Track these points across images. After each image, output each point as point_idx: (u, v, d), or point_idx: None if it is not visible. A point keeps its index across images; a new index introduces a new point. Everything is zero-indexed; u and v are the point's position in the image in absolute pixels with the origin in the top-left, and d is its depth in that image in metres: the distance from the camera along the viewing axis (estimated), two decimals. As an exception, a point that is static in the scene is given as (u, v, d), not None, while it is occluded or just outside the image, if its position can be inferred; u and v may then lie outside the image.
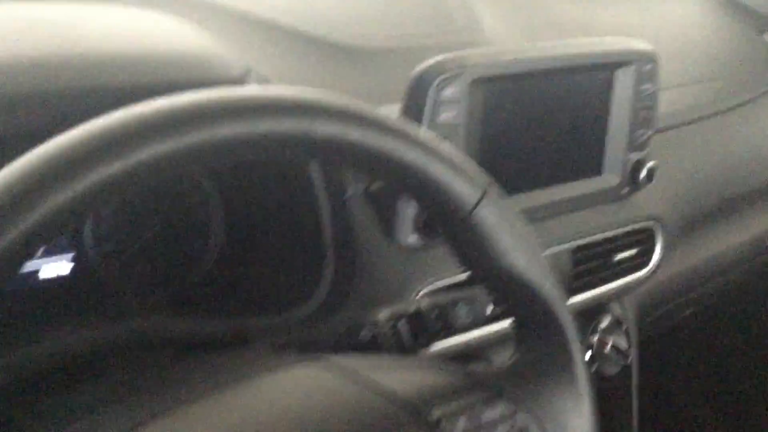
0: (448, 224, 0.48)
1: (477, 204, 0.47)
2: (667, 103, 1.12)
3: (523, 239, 0.49)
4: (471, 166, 0.47)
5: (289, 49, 0.84)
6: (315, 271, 0.74)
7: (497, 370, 0.53)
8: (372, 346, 0.60)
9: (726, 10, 1.47)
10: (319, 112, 0.40)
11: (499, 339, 0.79)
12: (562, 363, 0.52)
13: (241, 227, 0.77)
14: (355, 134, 0.41)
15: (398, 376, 0.49)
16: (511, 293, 0.51)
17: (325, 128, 0.40)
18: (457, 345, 0.77)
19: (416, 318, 0.61)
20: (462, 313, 0.61)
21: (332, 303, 0.74)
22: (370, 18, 0.97)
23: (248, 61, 0.75)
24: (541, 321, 0.52)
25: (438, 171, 0.45)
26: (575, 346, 0.52)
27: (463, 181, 0.46)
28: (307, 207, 0.73)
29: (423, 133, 0.45)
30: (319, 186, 0.72)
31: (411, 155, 0.43)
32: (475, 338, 0.79)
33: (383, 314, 0.61)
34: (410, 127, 0.45)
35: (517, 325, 0.53)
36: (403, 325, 0.60)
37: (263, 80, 0.73)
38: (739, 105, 1.25)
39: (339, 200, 0.73)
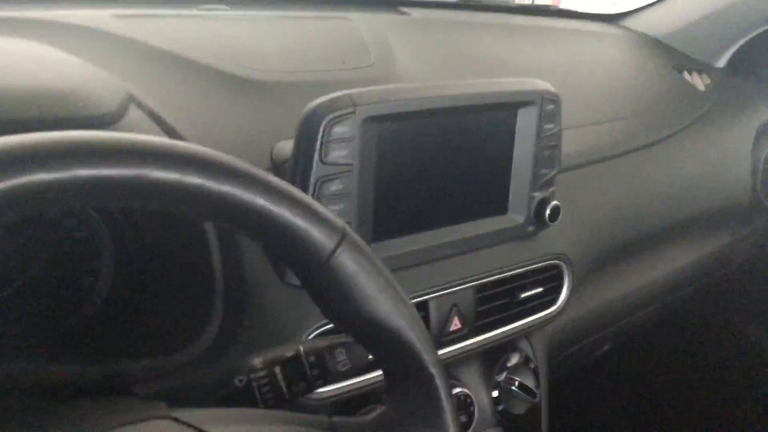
0: (305, 272, 0.46)
1: (334, 251, 0.45)
2: (583, 141, 1.14)
3: (385, 286, 0.48)
4: (326, 212, 0.46)
5: (183, 79, 0.82)
6: (203, 313, 0.71)
7: (363, 421, 0.51)
8: (246, 393, 0.58)
9: (644, 48, 1.50)
10: (155, 156, 0.38)
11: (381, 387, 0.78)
12: (431, 414, 0.51)
13: (131, 267, 0.75)
14: (195, 179, 0.39)
15: None
16: (376, 342, 0.50)
17: (160, 173, 0.38)
18: (337, 392, 0.76)
19: (293, 364, 0.59)
20: (341, 358, 0.59)
21: (220, 346, 0.71)
22: (278, 51, 0.96)
23: (137, 92, 0.73)
24: (409, 370, 0.50)
25: (290, 217, 0.43)
26: (445, 396, 0.51)
27: (318, 227, 0.44)
28: (198, 247, 0.71)
29: (274, 178, 0.44)
30: (210, 226, 0.70)
31: (260, 201, 0.42)
32: (356, 386, 0.77)
33: (258, 360, 0.58)
34: (259, 172, 0.43)
35: (385, 374, 0.52)
36: (279, 372, 0.58)
37: (148, 111, 0.71)
38: (655, 143, 1.27)
39: (229, 240, 0.71)
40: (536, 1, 4.07)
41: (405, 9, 1.29)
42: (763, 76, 1.58)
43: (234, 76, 0.85)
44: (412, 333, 0.49)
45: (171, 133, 0.72)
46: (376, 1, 1.38)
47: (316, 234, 0.44)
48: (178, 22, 0.95)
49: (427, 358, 0.50)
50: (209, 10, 1.04)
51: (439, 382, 0.51)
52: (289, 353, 0.59)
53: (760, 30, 1.47)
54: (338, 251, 0.45)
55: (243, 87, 0.85)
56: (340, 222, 0.46)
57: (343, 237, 0.46)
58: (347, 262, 0.46)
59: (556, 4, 4.13)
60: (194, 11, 1.02)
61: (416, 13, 1.28)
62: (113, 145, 0.37)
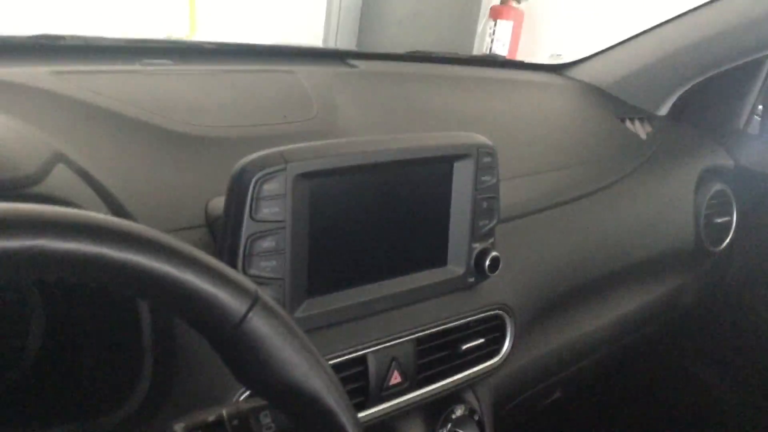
0: (217, 339, 0.46)
1: (246, 315, 0.45)
2: (525, 191, 1.15)
3: (300, 349, 0.48)
4: (236, 275, 0.45)
5: (118, 136, 0.82)
6: (132, 375, 0.70)
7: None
8: (168, 459, 0.57)
9: (587, 97, 1.53)
10: (50, 225, 0.38)
11: None
12: None
13: (61, 329, 0.73)
14: (93, 248, 0.39)
15: None
16: (293, 406, 0.49)
17: (57, 243, 0.38)
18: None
19: (216, 429, 0.58)
20: (266, 421, 0.58)
21: (149, 408, 0.70)
22: (219, 106, 0.96)
23: (68, 150, 0.72)
24: (327, 434, 0.50)
25: (198, 282, 0.43)
26: None
27: (228, 291, 0.44)
28: (127, 307, 0.70)
29: (179, 243, 0.43)
30: None
31: (164, 268, 0.42)
32: None
33: (179, 426, 0.57)
34: (163, 237, 0.43)
35: (304, 439, 0.51)
36: (201, 436, 0.57)
37: (77, 169, 0.71)
38: (598, 190, 1.29)
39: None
40: (493, 48, 4.16)
41: (353, 62, 1.31)
42: (703, 123, 1.62)
43: (171, 131, 0.86)
44: (330, 396, 0.49)
45: (101, 190, 0.72)
46: (324, 54, 1.40)
47: (226, 299, 0.44)
48: (118, 78, 0.95)
49: (345, 421, 0.49)
50: (152, 65, 1.04)
51: None
52: (212, 417, 0.58)
53: (700, 79, 1.51)
54: (250, 315, 0.45)
55: (180, 142, 0.85)
56: (251, 285, 0.46)
57: (255, 301, 0.45)
58: (260, 326, 0.46)
59: (511, 54, 4.23)
60: (137, 67, 1.03)
61: (364, 65, 1.30)
62: (5, 216, 0.37)
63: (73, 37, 1.05)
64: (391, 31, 3.95)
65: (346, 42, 4.11)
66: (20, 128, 0.72)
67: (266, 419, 0.58)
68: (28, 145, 0.68)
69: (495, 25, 4.32)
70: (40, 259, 0.38)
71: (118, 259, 0.40)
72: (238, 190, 0.70)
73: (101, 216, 0.41)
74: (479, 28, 4.28)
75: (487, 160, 0.90)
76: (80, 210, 0.40)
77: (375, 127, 1.09)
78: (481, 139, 0.90)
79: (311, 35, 4.07)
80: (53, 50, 1.02)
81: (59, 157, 0.69)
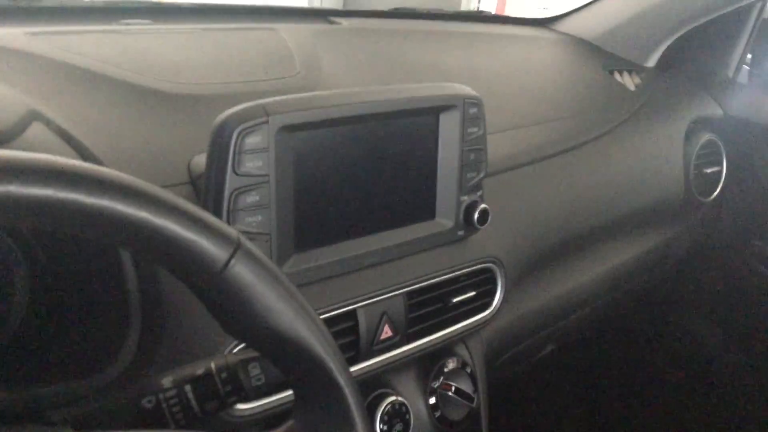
0: (200, 287, 0.45)
1: (228, 262, 0.44)
2: (513, 143, 1.14)
3: (285, 295, 0.47)
4: (217, 222, 0.44)
5: (96, 95, 0.80)
6: (119, 334, 0.70)
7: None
8: (156, 414, 0.56)
9: (575, 50, 1.52)
10: (17, 171, 0.37)
11: None
12: (342, 426, 0.49)
13: (45, 290, 0.72)
14: (65, 194, 0.38)
15: None
16: (280, 354, 0.49)
17: (29, 189, 0.37)
18: (256, 409, 0.74)
19: (204, 381, 0.57)
20: (255, 373, 0.58)
21: (137, 367, 0.70)
22: (199, 64, 0.94)
23: (45, 109, 0.71)
24: (315, 381, 0.49)
25: (178, 229, 0.42)
26: (356, 407, 0.50)
27: (209, 238, 0.43)
28: (112, 266, 0.69)
29: (158, 189, 0.42)
30: None
31: (142, 214, 0.41)
32: (275, 402, 0.76)
33: (167, 379, 0.57)
34: (141, 183, 0.42)
35: (293, 387, 0.51)
36: (189, 390, 0.57)
37: (55, 128, 0.69)
38: (586, 142, 1.28)
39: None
40: (480, 7, 4.12)
41: (336, 19, 1.29)
42: (691, 74, 1.61)
43: (151, 89, 0.84)
44: (317, 342, 0.48)
45: (81, 149, 0.71)
46: (306, 12, 1.37)
47: (207, 245, 0.43)
48: (95, 38, 0.93)
49: (333, 367, 0.49)
50: (130, 25, 1.02)
51: (347, 391, 0.50)
52: (200, 370, 0.57)
53: (687, 28, 1.50)
54: (232, 262, 0.44)
55: (160, 100, 0.83)
56: (233, 231, 0.45)
57: (237, 247, 0.44)
58: (243, 272, 0.45)
59: (499, 10, 4.18)
60: (114, 26, 1.00)
61: (347, 22, 1.28)
62: None
63: (49, -1, 1.03)
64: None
65: (332, 6, 4.06)
66: None
67: (255, 371, 0.58)
68: (2, 102, 0.67)
69: (481, -16, 4.27)
70: (9, 205, 0.37)
71: (93, 206, 0.39)
72: (219, 143, 0.69)
73: (75, 162, 0.39)
74: (466, -12, 4.22)
75: (473, 111, 0.89)
76: (53, 155, 0.39)
77: (359, 83, 1.07)
78: (467, 90, 0.89)
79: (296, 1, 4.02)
80: (29, 12, 0.99)
81: (35, 115, 0.68)
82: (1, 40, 0.84)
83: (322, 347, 0.48)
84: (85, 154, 0.71)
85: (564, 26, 1.59)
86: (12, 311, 0.72)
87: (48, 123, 0.69)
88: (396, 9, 1.47)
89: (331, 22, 1.27)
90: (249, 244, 0.45)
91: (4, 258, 0.71)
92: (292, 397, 0.76)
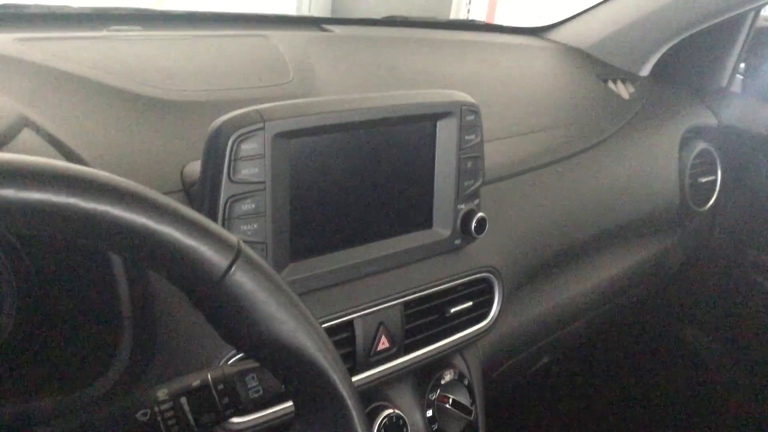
0: (199, 295, 0.43)
1: (228, 269, 0.42)
2: (509, 152, 1.13)
3: (286, 303, 0.45)
4: (218, 228, 0.43)
5: (87, 102, 0.78)
6: (111, 346, 0.68)
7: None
8: (151, 427, 0.54)
9: (569, 59, 1.51)
10: (13, 175, 0.35)
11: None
12: None
13: (34, 301, 0.70)
14: (62, 198, 0.36)
15: None
16: (281, 364, 0.47)
17: (26, 193, 0.35)
18: (253, 422, 0.72)
19: (201, 393, 0.55)
20: (252, 385, 0.56)
21: (130, 380, 0.68)
22: (191, 71, 0.93)
23: (34, 116, 0.69)
24: (317, 392, 0.48)
25: (177, 236, 0.40)
26: (358, 419, 0.48)
27: (209, 244, 0.42)
28: (103, 276, 0.67)
29: (158, 195, 0.41)
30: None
31: (141, 220, 0.39)
32: (272, 415, 0.74)
33: (162, 391, 0.55)
34: (140, 189, 0.40)
35: (293, 398, 0.49)
36: (185, 403, 0.55)
37: (46, 135, 0.68)
38: (581, 151, 1.27)
39: (136, 267, 0.67)
40: (470, 16, 4.12)
41: (328, 26, 1.28)
42: (685, 83, 1.61)
43: (142, 96, 0.82)
44: (319, 352, 0.46)
45: (71, 156, 0.69)
46: (297, 20, 1.36)
47: (207, 252, 0.42)
48: (85, 45, 0.91)
49: (336, 378, 0.47)
50: (120, 31, 1.00)
51: (350, 403, 0.48)
52: (196, 382, 0.56)
53: (681, 37, 1.50)
54: (233, 269, 0.43)
55: (152, 107, 0.82)
56: (233, 238, 0.43)
57: (237, 254, 0.43)
58: (244, 280, 0.43)
59: (489, 18, 4.19)
60: (104, 33, 0.99)
61: (339, 30, 1.26)
62: None
63: (38, 6, 1.01)
64: (368, 1, 3.89)
65: (319, 12, 4.05)
66: None
67: (252, 382, 0.56)
68: None
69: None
70: (5, 209, 0.35)
71: (90, 210, 0.37)
72: (215, 150, 0.67)
73: (73, 165, 0.38)
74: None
75: (470, 118, 0.88)
76: (50, 159, 0.37)
77: (353, 90, 1.06)
78: (464, 96, 0.88)
79: (283, 7, 4.02)
80: (17, 18, 0.98)
81: (25, 122, 0.66)
82: None
83: (324, 357, 0.47)
84: (75, 161, 0.69)
85: (558, 35, 1.58)
86: (0, 321, 0.70)
87: (38, 130, 0.67)
88: (388, 17, 1.46)
89: (323, 30, 1.26)
90: (250, 251, 0.44)
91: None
92: (289, 410, 0.75)
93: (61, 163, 0.38)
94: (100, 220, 0.38)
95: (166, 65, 0.91)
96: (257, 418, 0.73)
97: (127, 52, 0.92)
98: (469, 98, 0.88)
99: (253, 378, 0.56)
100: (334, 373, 0.47)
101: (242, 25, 1.22)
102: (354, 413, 0.48)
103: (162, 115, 0.81)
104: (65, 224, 0.37)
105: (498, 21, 4.12)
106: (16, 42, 0.85)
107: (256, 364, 0.57)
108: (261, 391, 0.56)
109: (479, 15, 4.20)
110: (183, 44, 1.01)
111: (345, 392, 0.48)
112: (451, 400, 0.96)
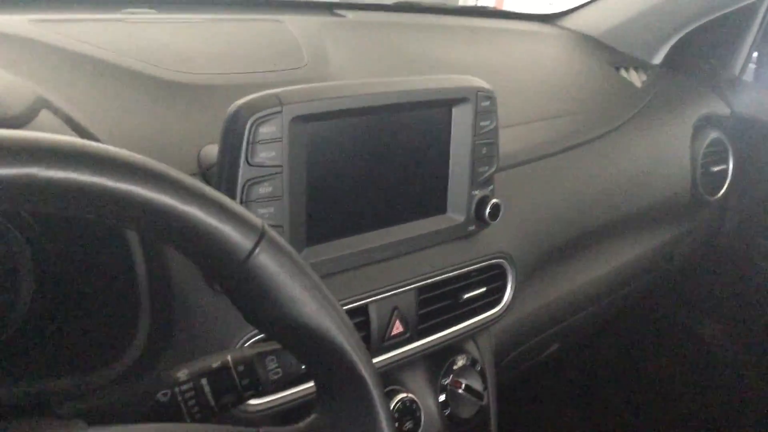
0: (223, 276, 0.43)
1: (252, 250, 0.42)
2: (522, 139, 1.13)
3: (309, 286, 0.45)
4: (242, 210, 0.43)
5: (103, 83, 0.78)
6: (129, 326, 0.68)
7: (293, 430, 0.49)
8: (172, 408, 0.55)
9: (581, 46, 1.50)
10: (41, 153, 0.35)
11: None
12: (365, 420, 0.48)
13: (52, 282, 0.71)
14: (89, 177, 0.36)
15: None
16: (303, 346, 0.47)
17: (52, 172, 0.35)
18: (273, 403, 0.73)
19: (221, 375, 0.56)
20: (272, 366, 0.56)
21: (147, 360, 0.68)
22: (206, 54, 0.93)
23: (52, 97, 0.69)
24: (339, 374, 0.48)
25: (203, 216, 0.40)
26: (379, 400, 0.48)
27: (234, 226, 0.42)
28: (121, 257, 0.67)
29: (184, 176, 0.41)
30: (133, 234, 0.66)
31: (167, 200, 0.39)
32: (290, 396, 0.74)
33: (182, 372, 0.55)
34: (167, 169, 0.40)
35: (315, 380, 0.49)
36: (205, 384, 0.55)
37: (63, 116, 0.68)
38: (594, 139, 1.27)
39: (154, 248, 0.68)
40: (479, 3, 4.10)
41: (340, 11, 1.27)
42: (698, 71, 1.60)
43: (158, 78, 0.82)
44: (341, 335, 0.47)
45: (88, 138, 0.69)
46: (310, 4, 1.36)
47: (232, 233, 0.42)
48: (100, 27, 0.91)
49: (357, 360, 0.47)
50: (134, 14, 1.00)
51: (371, 385, 0.48)
52: (216, 364, 0.56)
53: (694, 26, 1.49)
54: (257, 251, 0.43)
55: (167, 90, 0.82)
56: (257, 220, 0.43)
57: (261, 236, 0.43)
58: (267, 262, 0.43)
59: (498, 5, 4.17)
60: (118, 15, 0.99)
61: (352, 15, 1.26)
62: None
63: (51, -13, 1.01)
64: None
65: None
66: (1, 74, 0.68)
67: (273, 364, 0.56)
68: (12, 88, 0.65)
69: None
70: (32, 188, 0.35)
71: (117, 190, 0.37)
72: (233, 133, 0.67)
73: (101, 145, 0.38)
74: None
75: (486, 104, 0.88)
76: (78, 138, 0.37)
77: (366, 75, 1.06)
78: (480, 82, 0.88)
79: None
80: None
81: (43, 103, 0.66)
82: (5, 27, 0.82)
83: (346, 339, 0.47)
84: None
85: (570, 22, 1.58)
86: (17, 302, 0.70)
87: (56, 111, 0.67)
88: (400, 3, 1.45)
89: (336, 15, 1.25)
90: (273, 233, 0.44)
91: (8, 247, 0.69)
92: (307, 392, 0.76)
93: (87, 142, 0.38)
94: (126, 199, 0.38)
95: (181, 48, 0.91)
96: (275, 399, 0.73)
97: (143, 34, 0.92)
98: (485, 84, 0.88)
99: (272, 360, 0.57)
100: (356, 356, 0.47)
101: (256, 9, 1.22)
102: (375, 395, 0.48)
103: (177, 98, 0.81)
104: (90, 203, 0.38)
105: (507, 7, 4.10)
106: (31, 23, 0.85)
107: (276, 346, 0.57)
108: (281, 373, 0.57)
109: (489, 1, 4.18)
110: (198, 28, 1.00)
111: (366, 374, 0.48)
112: (463, 385, 0.96)
